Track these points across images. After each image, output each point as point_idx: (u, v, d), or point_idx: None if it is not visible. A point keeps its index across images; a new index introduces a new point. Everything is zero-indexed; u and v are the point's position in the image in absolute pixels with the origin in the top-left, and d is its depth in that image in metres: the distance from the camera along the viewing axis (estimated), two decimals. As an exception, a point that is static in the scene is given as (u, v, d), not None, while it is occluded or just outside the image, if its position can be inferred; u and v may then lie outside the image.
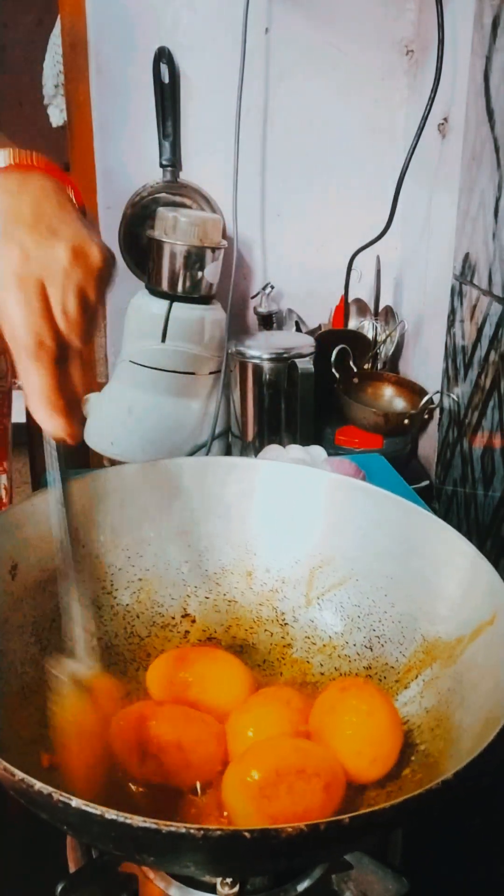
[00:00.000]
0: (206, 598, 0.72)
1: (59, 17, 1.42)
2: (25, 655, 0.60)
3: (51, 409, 0.50)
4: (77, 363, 0.52)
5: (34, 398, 0.50)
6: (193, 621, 0.71)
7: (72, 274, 0.50)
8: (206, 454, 1.38)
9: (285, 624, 0.71)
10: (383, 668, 0.65)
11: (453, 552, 0.62)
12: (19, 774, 0.41)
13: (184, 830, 0.39)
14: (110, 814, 0.39)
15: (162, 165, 1.44)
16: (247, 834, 0.39)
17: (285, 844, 0.40)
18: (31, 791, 0.41)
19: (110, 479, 0.70)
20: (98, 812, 0.39)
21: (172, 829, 0.39)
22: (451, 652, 0.60)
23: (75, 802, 0.40)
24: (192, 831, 0.39)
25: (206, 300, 1.37)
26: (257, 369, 1.35)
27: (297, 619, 0.71)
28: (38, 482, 1.41)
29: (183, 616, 0.71)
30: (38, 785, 0.41)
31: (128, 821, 0.39)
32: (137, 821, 0.39)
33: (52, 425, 0.51)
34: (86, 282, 0.51)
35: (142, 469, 0.71)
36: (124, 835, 0.40)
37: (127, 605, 0.69)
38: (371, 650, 0.67)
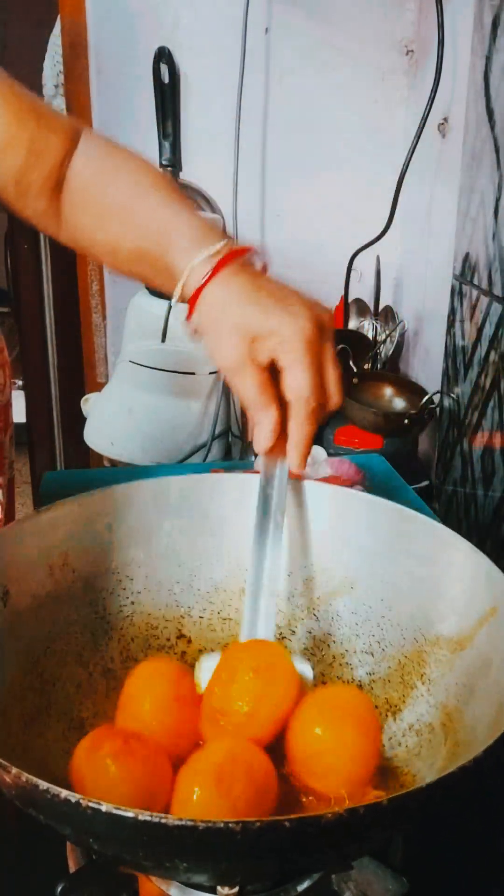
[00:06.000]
0: (201, 617, 0.71)
1: (59, 17, 1.42)
2: (23, 682, 0.59)
3: (305, 457, 0.62)
4: (318, 415, 0.61)
5: (299, 449, 0.60)
6: (189, 642, 0.70)
7: (325, 340, 0.59)
8: (207, 454, 1.38)
9: (282, 637, 0.70)
10: (386, 672, 0.65)
11: (447, 549, 0.62)
12: (43, 784, 0.40)
13: (221, 825, 0.38)
14: (144, 815, 0.38)
15: (162, 165, 1.44)
16: (287, 823, 0.39)
17: (324, 832, 0.39)
18: (57, 800, 0.40)
19: (96, 502, 0.68)
20: (131, 815, 0.38)
21: (210, 825, 0.38)
22: (454, 647, 0.59)
23: (105, 807, 0.39)
24: (230, 825, 0.38)
25: (206, 300, 1.37)
26: (257, 369, 1.34)
27: (294, 631, 0.70)
28: (38, 482, 1.41)
29: (178, 637, 0.70)
30: (65, 793, 0.40)
31: (163, 821, 0.38)
32: (172, 820, 0.38)
33: (303, 468, 0.62)
34: (330, 345, 0.60)
35: (128, 490, 0.70)
36: (157, 837, 0.39)
37: (121, 628, 0.68)
38: (372, 656, 0.66)
